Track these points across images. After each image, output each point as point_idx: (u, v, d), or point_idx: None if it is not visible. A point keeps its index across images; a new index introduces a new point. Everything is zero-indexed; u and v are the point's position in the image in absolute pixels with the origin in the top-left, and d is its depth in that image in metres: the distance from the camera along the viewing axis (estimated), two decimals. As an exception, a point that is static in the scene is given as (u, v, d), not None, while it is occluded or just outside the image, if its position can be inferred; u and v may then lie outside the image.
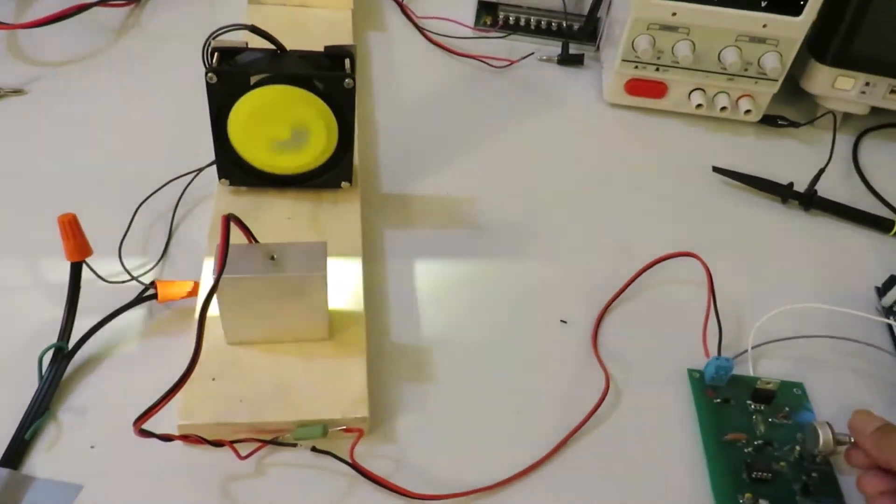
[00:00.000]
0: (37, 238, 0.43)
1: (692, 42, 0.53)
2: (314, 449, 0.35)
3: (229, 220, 0.34)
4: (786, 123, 0.58)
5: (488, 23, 0.64)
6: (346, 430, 0.35)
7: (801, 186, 0.53)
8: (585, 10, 0.62)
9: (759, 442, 0.38)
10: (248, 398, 0.36)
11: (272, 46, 0.41)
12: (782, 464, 0.38)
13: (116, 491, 0.34)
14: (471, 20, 0.64)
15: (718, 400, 0.40)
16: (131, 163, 0.49)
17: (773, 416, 0.40)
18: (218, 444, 0.34)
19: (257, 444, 0.35)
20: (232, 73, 0.40)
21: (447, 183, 0.51)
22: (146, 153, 0.50)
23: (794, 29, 0.52)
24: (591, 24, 0.62)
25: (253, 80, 0.40)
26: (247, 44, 0.41)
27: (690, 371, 0.41)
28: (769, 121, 0.58)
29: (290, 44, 0.42)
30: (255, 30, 0.40)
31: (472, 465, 0.36)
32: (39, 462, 0.34)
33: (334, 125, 0.42)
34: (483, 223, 0.49)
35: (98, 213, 0.45)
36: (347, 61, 0.41)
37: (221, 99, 0.41)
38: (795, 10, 0.51)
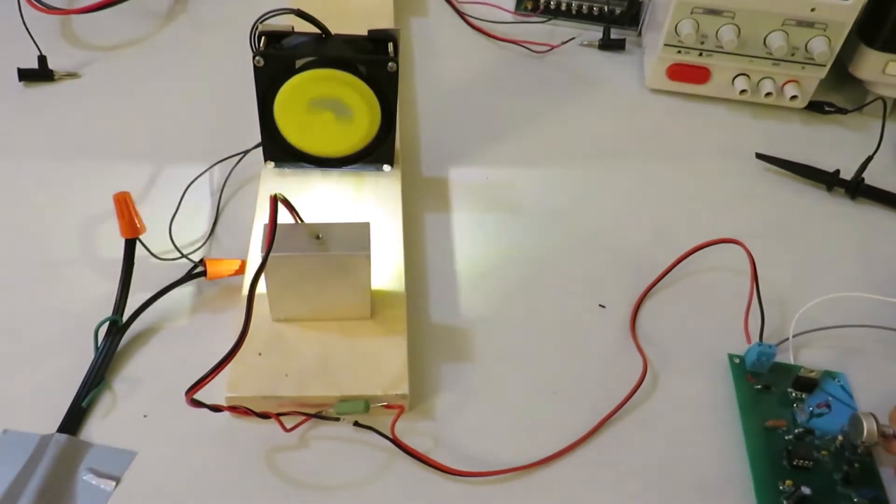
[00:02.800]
0: (92, 216, 0.45)
1: (737, 26, 0.53)
2: (356, 423, 0.36)
3: (277, 199, 0.35)
4: (833, 110, 0.57)
5: (529, 7, 0.64)
6: (387, 407, 0.36)
7: (847, 174, 0.51)
8: (627, -5, 0.62)
9: (800, 430, 0.38)
10: (292, 373, 0.37)
11: (317, 30, 0.42)
12: (823, 452, 0.37)
13: (168, 458, 0.35)
14: (511, 5, 0.64)
15: (759, 386, 0.40)
16: (180, 144, 0.50)
17: (814, 404, 0.39)
18: (264, 416, 0.35)
19: (302, 418, 0.36)
20: (278, 56, 0.41)
21: (487, 167, 0.51)
22: (194, 135, 0.51)
23: (843, 13, 0.51)
24: (633, 8, 0.62)
25: (298, 63, 0.41)
26: (293, 28, 0.42)
27: (731, 356, 0.41)
28: (815, 107, 0.57)
29: (334, 28, 0.42)
30: (300, 14, 0.41)
31: (508, 445, 0.37)
32: (96, 429, 0.36)
33: (377, 108, 0.43)
34: (522, 207, 0.49)
35: (148, 193, 0.47)
36: (391, 45, 0.42)
37: (268, 82, 0.42)
38: (845, -8, 0.50)
